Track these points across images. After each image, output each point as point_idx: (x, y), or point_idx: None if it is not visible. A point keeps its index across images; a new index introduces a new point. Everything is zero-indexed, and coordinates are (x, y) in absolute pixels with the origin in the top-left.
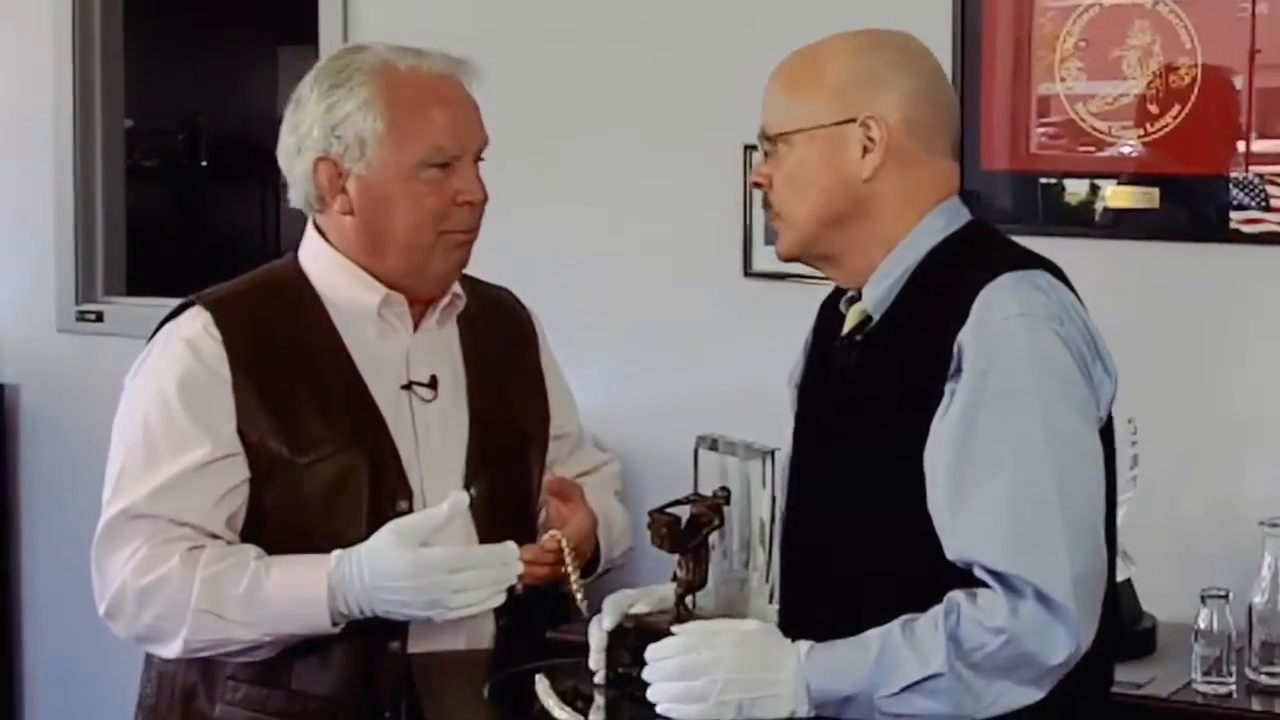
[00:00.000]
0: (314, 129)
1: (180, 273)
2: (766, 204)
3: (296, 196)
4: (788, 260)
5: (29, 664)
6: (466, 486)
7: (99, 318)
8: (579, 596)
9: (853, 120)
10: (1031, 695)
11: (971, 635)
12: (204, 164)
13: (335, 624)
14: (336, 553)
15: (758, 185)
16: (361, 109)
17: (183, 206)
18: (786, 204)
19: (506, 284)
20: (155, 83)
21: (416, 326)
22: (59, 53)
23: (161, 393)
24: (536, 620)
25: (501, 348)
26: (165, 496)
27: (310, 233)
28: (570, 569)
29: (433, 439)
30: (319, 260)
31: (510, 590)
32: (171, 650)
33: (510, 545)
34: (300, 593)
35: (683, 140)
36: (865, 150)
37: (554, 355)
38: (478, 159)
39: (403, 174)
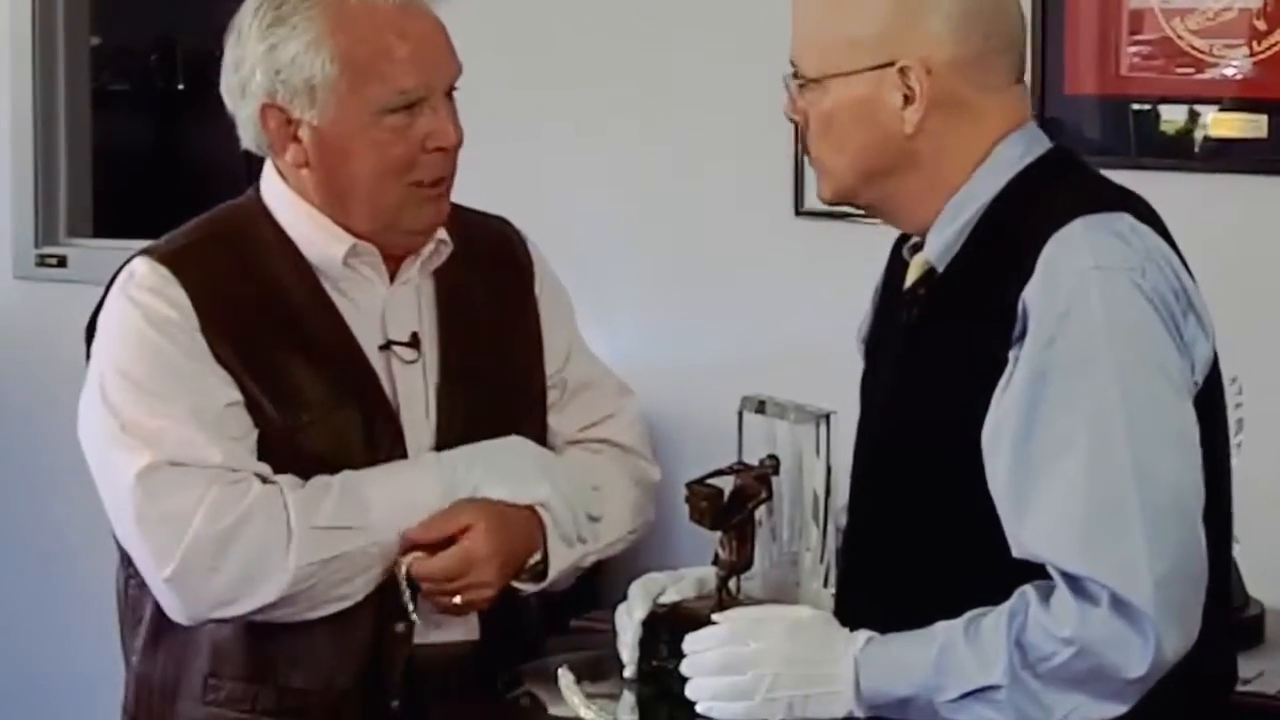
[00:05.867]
0: (256, 71)
1: (154, 211)
2: (803, 143)
3: (247, 139)
4: (831, 204)
5: None
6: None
7: (62, 262)
8: (409, 609)
9: (889, 65)
10: (1112, 710)
11: (1039, 643)
12: (180, 87)
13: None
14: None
15: (792, 120)
16: (309, 50)
17: (157, 135)
18: (823, 151)
19: (521, 223)
20: None
21: (394, 278)
22: None
23: (139, 336)
24: (523, 611)
25: (489, 290)
26: (203, 439)
27: (270, 172)
28: (404, 592)
29: (416, 404)
30: (282, 201)
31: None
32: (266, 594)
33: None
34: (404, 472)
35: (725, 59)
36: (906, 100)
37: (561, 290)
38: (449, 95)
39: (362, 122)
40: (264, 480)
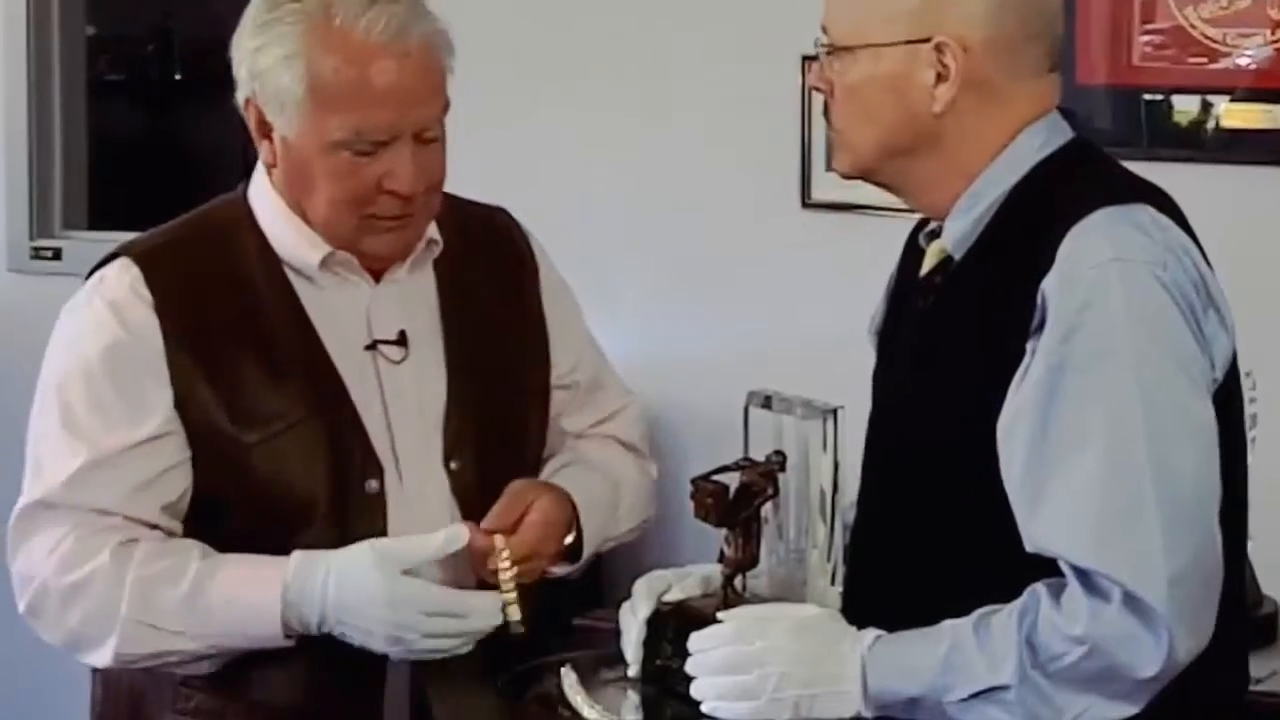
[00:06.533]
0: (243, 66)
1: (149, 203)
2: (826, 112)
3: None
4: (847, 178)
5: None
6: (446, 460)
7: (56, 255)
8: (514, 620)
9: (926, 40)
10: (1124, 710)
11: (1049, 642)
12: (177, 78)
13: (288, 637)
14: (296, 555)
15: (817, 89)
16: (284, 63)
17: (153, 126)
18: (847, 123)
19: (519, 213)
20: None
21: (380, 277)
22: None
23: (83, 362)
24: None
25: (490, 285)
26: (85, 483)
27: (259, 169)
28: (506, 591)
29: (406, 406)
30: (264, 201)
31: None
32: (101, 659)
33: (490, 598)
34: (250, 600)
35: (731, 46)
36: (939, 77)
37: (566, 286)
38: (425, 138)
39: (320, 148)
40: (151, 527)
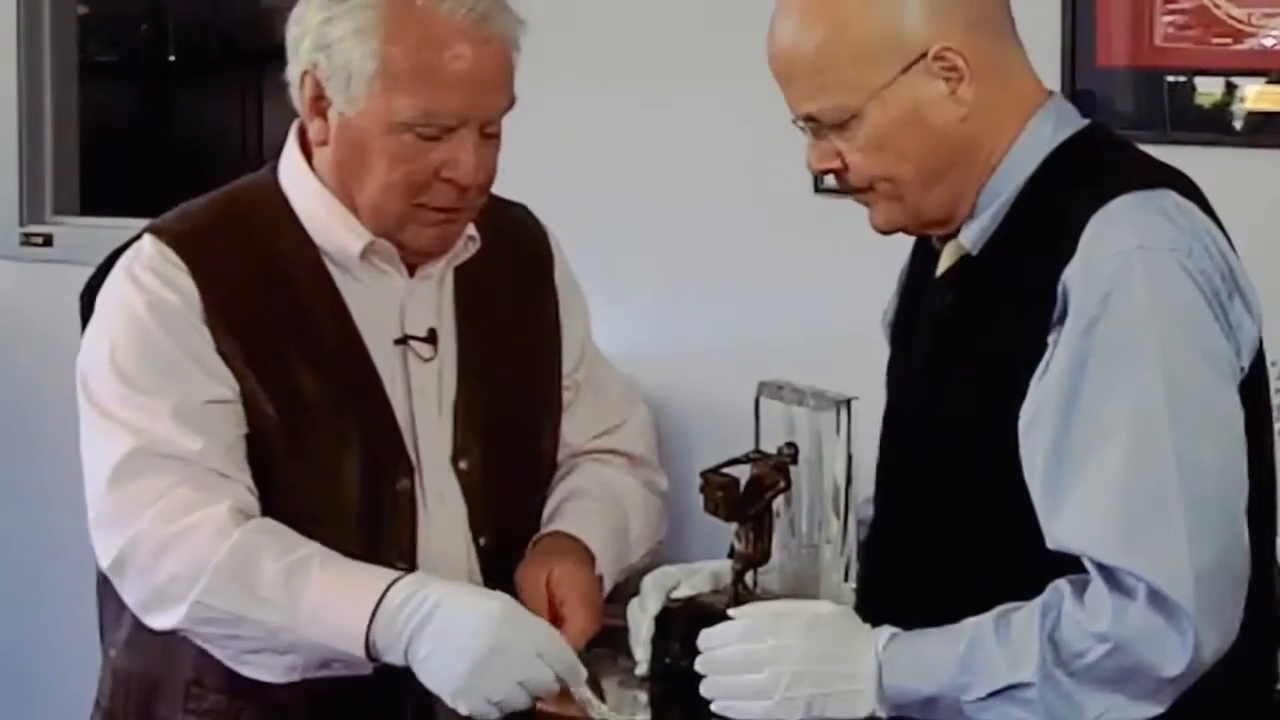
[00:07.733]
0: (307, 37)
1: (143, 187)
2: (848, 186)
3: (293, 98)
4: (887, 233)
5: None
6: (454, 460)
7: (47, 241)
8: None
9: (922, 56)
10: (1147, 710)
11: (1072, 640)
12: (171, 59)
13: (370, 655)
14: (419, 574)
15: (826, 171)
16: (356, 37)
17: (146, 109)
18: (879, 179)
19: (531, 205)
20: None
21: (414, 271)
22: None
23: (134, 318)
24: None
25: (511, 285)
26: (186, 430)
27: (292, 144)
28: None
29: (428, 404)
30: (299, 182)
31: None
32: (173, 616)
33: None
34: (344, 592)
35: (740, 31)
36: (948, 81)
37: (577, 286)
38: (487, 131)
39: (384, 127)
40: (245, 488)
